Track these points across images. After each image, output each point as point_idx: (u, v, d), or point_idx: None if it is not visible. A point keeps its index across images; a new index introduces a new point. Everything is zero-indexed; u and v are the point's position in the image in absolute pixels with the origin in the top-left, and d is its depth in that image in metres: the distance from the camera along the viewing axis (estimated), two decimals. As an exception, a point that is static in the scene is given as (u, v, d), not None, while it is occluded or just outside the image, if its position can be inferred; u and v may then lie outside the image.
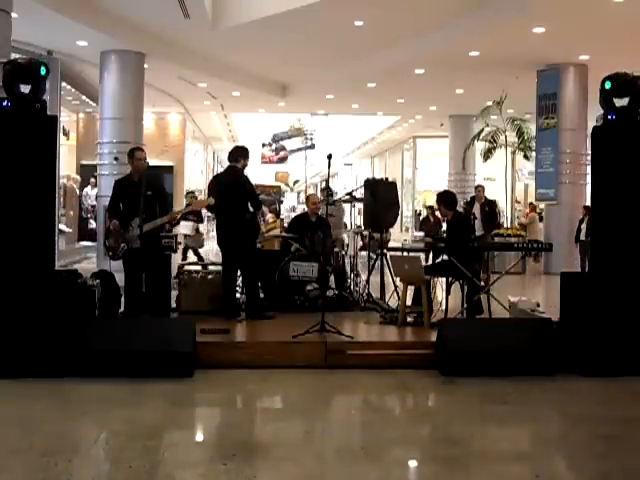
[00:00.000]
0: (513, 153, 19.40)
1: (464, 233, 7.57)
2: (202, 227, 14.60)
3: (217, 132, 27.58)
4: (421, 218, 22.12)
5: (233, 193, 7.42)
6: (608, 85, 6.08)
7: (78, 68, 14.91)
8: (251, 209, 7.54)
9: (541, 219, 18.80)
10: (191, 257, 12.83)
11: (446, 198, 7.86)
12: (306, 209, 9.23)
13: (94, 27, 11.74)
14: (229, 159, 7.71)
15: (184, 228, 12.67)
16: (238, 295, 7.87)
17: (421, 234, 18.27)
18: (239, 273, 7.67)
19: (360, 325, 7.22)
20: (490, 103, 17.11)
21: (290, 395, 5.49)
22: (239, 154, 7.68)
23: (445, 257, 7.44)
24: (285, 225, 12.63)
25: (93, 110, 17.30)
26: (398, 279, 7.75)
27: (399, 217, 14.11)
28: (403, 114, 22.90)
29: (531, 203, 19.94)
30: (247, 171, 7.77)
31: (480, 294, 7.46)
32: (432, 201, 28.58)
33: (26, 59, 6.25)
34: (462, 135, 21.24)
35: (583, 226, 13.38)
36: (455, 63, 14.10)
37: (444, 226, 19.87)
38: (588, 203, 10.08)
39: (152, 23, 12.29)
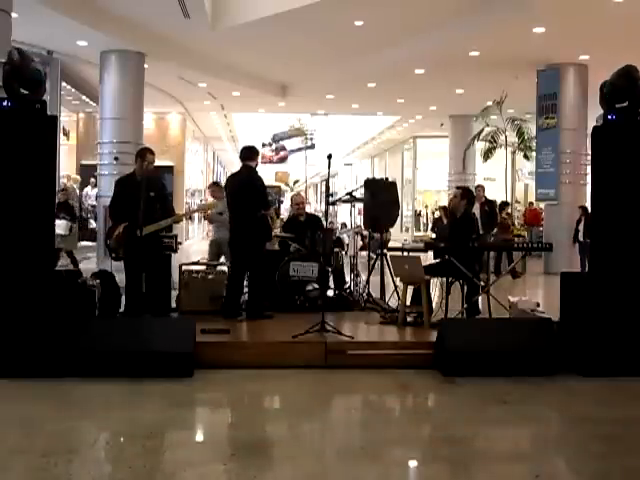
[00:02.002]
0: (513, 153, 19.41)
1: (470, 233, 7.57)
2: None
3: (217, 132, 27.59)
4: (433, 218, 21.95)
5: (247, 192, 7.42)
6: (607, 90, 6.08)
7: (78, 68, 14.92)
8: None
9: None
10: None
11: (470, 194, 8.12)
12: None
13: (94, 27, 11.75)
14: (243, 158, 7.65)
15: (58, 228, 10.78)
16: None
17: (429, 236, 18.21)
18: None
19: (360, 325, 7.22)
20: (490, 103, 17.12)
21: (290, 395, 5.49)
22: (255, 153, 7.74)
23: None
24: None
25: (93, 110, 17.31)
26: (398, 279, 7.75)
27: (399, 217, 14.11)
28: (403, 114, 22.90)
29: (531, 203, 19.98)
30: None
31: (480, 294, 7.46)
32: (432, 201, 28.62)
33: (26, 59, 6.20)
34: (462, 135, 21.25)
35: (581, 226, 13.39)
36: (455, 63, 14.10)
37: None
38: (588, 203, 10.07)
39: (152, 23, 12.29)
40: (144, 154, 7.08)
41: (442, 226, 16.22)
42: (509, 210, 15.57)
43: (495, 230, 13.06)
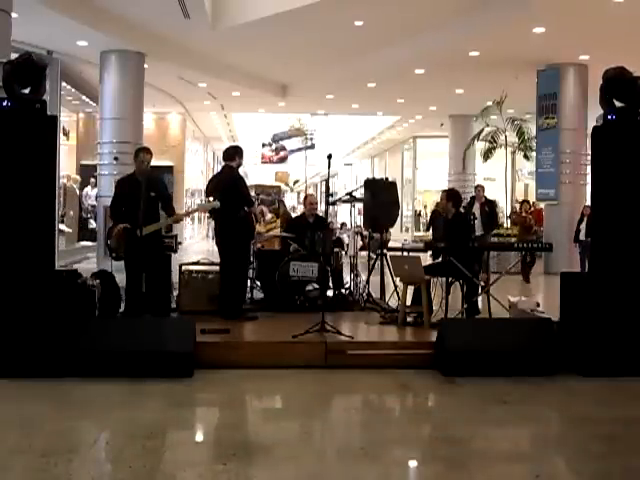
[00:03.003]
0: (513, 153, 19.41)
1: (463, 233, 7.56)
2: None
3: (217, 132, 27.58)
4: (431, 213, 21.64)
5: (229, 193, 7.40)
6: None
7: (78, 68, 14.92)
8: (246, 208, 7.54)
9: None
10: None
11: (456, 196, 7.98)
12: (304, 209, 9.24)
13: (94, 27, 11.75)
14: (225, 158, 7.71)
15: None
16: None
17: (429, 235, 18.01)
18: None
19: (360, 325, 7.22)
20: (490, 103, 17.11)
21: (290, 395, 5.49)
22: (236, 153, 7.68)
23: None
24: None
25: (93, 110, 17.31)
26: (398, 279, 7.74)
27: (399, 217, 14.10)
28: (403, 114, 22.90)
29: (533, 203, 19.88)
30: (246, 171, 7.77)
31: (480, 294, 7.46)
32: (432, 201, 28.60)
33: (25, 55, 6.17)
34: (462, 135, 21.25)
35: (582, 226, 13.37)
36: (455, 63, 14.10)
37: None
38: (588, 203, 10.05)
39: (152, 23, 12.29)
40: (138, 153, 7.13)
41: (439, 220, 15.82)
42: (528, 208, 14.20)
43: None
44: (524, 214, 13.91)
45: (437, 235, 9.27)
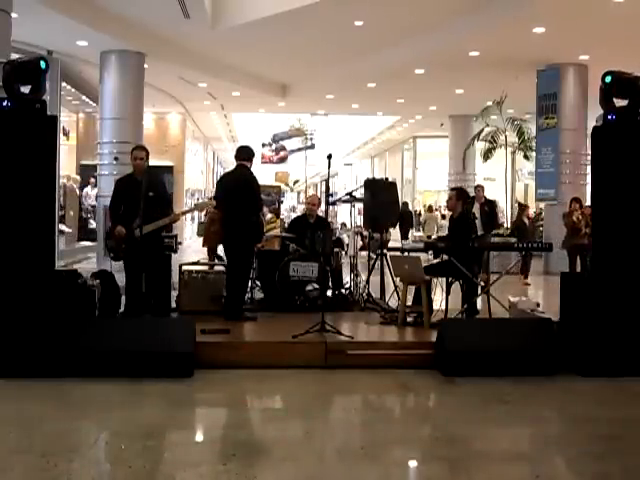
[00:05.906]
0: (513, 153, 19.41)
1: (468, 233, 7.56)
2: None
3: (217, 132, 27.60)
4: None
5: (243, 193, 7.29)
6: (608, 79, 6.05)
7: (78, 68, 14.93)
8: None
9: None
10: None
11: (466, 195, 8.12)
12: (305, 210, 9.26)
13: (94, 27, 11.76)
14: (241, 157, 7.51)
15: None
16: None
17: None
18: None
19: (360, 325, 7.21)
20: (490, 103, 17.12)
21: (290, 395, 5.48)
22: (251, 154, 7.60)
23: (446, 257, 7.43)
24: (286, 226, 12.64)
25: (93, 110, 17.32)
26: (398, 279, 7.74)
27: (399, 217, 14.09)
28: (403, 114, 22.91)
29: (526, 204, 19.74)
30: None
31: (480, 294, 7.45)
32: (432, 201, 28.59)
33: (26, 57, 6.21)
34: (462, 135, 21.26)
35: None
36: (455, 63, 14.11)
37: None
38: (588, 203, 10.01)
39: (152, 23, 12.30)
40: (131, 152, 7.15)
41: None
42: (578, 207, 12.26)
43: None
44: (574, 218, 12.18)
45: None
